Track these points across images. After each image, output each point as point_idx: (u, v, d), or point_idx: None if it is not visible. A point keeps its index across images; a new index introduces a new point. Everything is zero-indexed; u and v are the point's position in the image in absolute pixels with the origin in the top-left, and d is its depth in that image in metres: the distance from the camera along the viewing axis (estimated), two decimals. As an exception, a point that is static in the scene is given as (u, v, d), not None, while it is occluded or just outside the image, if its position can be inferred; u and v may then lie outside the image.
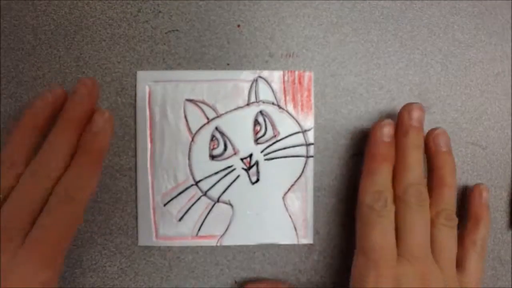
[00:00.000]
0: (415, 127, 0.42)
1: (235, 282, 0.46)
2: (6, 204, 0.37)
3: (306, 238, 0.46)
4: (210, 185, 0.45)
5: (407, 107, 0.42)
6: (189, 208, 0.45)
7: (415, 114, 0.42)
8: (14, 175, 0.38)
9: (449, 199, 0.41)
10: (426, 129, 0.44)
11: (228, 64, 0.45)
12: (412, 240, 0.39)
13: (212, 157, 0.44)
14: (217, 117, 0.44)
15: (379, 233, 0.39)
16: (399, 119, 0.43)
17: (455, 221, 0.41)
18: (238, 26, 0.45)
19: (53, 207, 0.37)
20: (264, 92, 0.45)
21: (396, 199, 0.40)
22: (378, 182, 0.41)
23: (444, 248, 0.40)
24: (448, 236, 0.41)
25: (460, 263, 0.42)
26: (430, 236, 0.40)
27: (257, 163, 0.45)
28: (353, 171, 0.46)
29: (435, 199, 0.41)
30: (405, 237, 0.40)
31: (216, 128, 0.44)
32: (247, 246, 0.45)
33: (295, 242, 0.46)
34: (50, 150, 0.38)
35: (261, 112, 0.45)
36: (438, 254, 0.40)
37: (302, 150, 0.45)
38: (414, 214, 0.40)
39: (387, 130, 0.42)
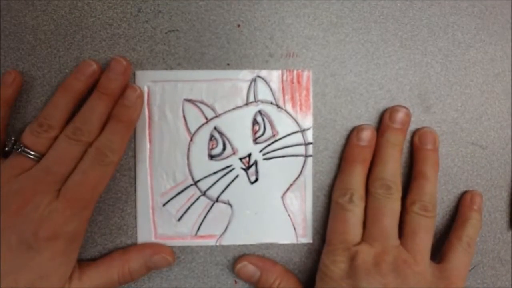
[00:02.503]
0: (394, 127, 0.44)
1: (235, 282, 0.46)
2: (43, 159, 0.40)
3: (305, 237, 0.46)
4: (209, 185, 0.44)
5: (390, 109, 0.45)
6: (188, 208, 0.45)
7: (396, 116, 0.44)
8: (49, 137, 0.41)
9: (427, 191, 0.43)
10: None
11: (228, 64, 0.45)
12: (375, 226, 0.42)
13: (211, 156, 0.44)
14: (216, 117, 0.44)
15: (340, 223, 0.43)
16: (381, 120, 0.45)
17: (431, 212, 0.43)
18: (238, 26, 0.45)
19: (85, 166, 0.40)
20: (263, 92, 0.45)
21: (367, 193, 0.43)
22: (346, 180, 0.44)
23: (415, 234, 0.42)
24: (420, 224, 0.43)
25: (443, 256, 0.44)
26: (403, 224, 0.43)
27: (256, 162, 0.45)
28: (353, 171, 0.46)
29: (413, 190, 0.44)
30: (369, 225, 0.43)
31: (215, 128, 0.44)
32: (246, 246, 0.45)
33: (294, 241, 0.46)
34: (86, 115, 0.42)
35: (259, 111, 0.45)
36: (408, 240, 0.42)
37: (301, 150, 0.45)
38: (380, 203, 0.42)
39: (363, 135, 0.44)
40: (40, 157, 0.41)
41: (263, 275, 0.44)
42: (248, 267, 0.44)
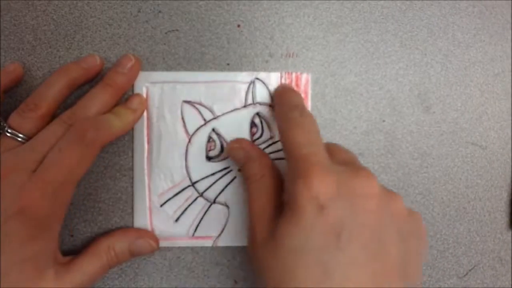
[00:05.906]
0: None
1: (235, 282, 0.46)
2: (31, 139, 0.39)
3: (304, 239, 0.45)
4: (207, 186, 0.44)
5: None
6: (186, 209, 0.45)
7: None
8: (35, 117, 0.39)
9: None
10: (427, 129, 0.45)
11: (228, 64, 0.45)
12: None
13: (209, 158, 0.44)
14: (214, 118, 0.44)
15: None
16: None
17: None
18: (238, 26, 0.45)
19: (63, 143, 0.38)
20: (261, 94, 0.45)
21: None
22: None
23: None
24: None
25: None
26: None
27: (253, 164, 0.44)
28: (353, 171, 0.46)
29: None
30: None
31: (213, 130, 0.44)
32: (244, 247, 0.45)
33: (292, 243, 0.45)
34: (85, 102, 0.41)
35: (258, 114, 0.44)
36: None
37: (298, 152, 0.45)
38: None
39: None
40: (27, 138, 0.39)
41: (246, 163, 0.42)
42: (237, 152, 0.43)
